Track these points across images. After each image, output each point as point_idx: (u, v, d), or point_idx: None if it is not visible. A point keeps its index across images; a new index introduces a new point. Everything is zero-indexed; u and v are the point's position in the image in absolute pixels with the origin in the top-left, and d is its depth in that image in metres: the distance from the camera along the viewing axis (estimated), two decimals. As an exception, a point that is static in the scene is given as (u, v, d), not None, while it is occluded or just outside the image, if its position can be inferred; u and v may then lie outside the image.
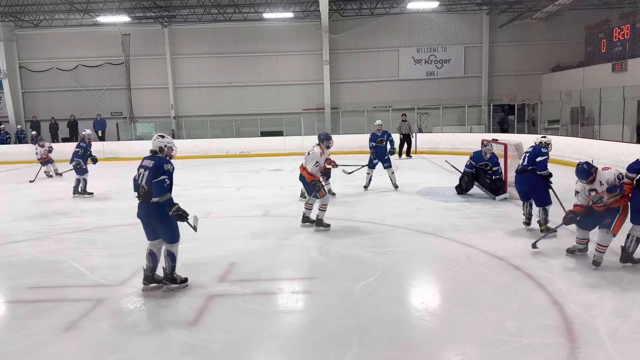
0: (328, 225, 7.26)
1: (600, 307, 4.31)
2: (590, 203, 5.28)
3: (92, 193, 10.98)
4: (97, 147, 19.74)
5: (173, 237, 4.99)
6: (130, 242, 6.98)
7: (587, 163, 5.43)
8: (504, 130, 20.69)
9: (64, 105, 23.27)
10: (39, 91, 23.77)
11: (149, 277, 5.00)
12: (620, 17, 18.00)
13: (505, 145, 9.51)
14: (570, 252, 5.71)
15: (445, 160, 11.95)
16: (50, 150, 14.65)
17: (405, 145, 17.19)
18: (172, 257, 4.97)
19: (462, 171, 10.01)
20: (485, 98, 22.84)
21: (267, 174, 14.39)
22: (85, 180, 11.00)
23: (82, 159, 11.01)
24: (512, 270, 5.29)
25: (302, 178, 7.51)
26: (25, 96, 23.90)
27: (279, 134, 21.09)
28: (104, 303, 4.75)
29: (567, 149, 14.31)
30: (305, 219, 7.50)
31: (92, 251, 6.58)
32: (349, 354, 3.67)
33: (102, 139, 21.92)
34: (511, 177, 9.74)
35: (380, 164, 10.48)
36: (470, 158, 9.78)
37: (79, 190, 10.97)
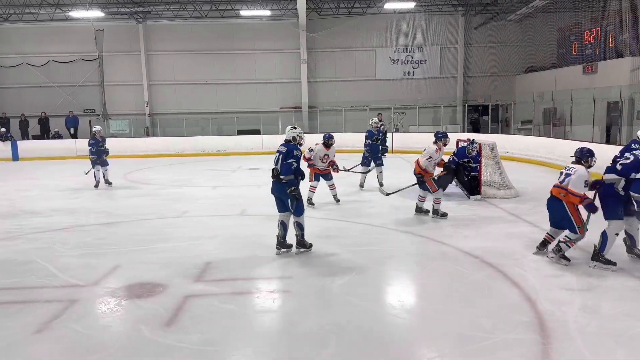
0: (444, 214, 7.78)
1: (571, 303, 4.42)
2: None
3: (111, 183, 12.13)
4: (69, 145, 19.56)
5: (299, 210, 5.93)
6: (103, 241, 6.88)
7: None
8: (476, 130, 20.99)
9: (34, 101, 22.67)
10: (9, 87, 23.13)
11: (281, 242, 6.01)
12: (591, 21, 18.44)
13: (480, 145, 9.64)
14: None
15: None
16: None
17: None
18: (300, 227, 6.00)
19: (445, 163, 9.99)
20: (460, 98, 23.14)
21: (244, 172, 14.32)
22: (106, 172, 12.09)
23: (97, 154, 11.89)
24: (486, 268, 5.38)
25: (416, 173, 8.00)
26: (-6, 92, 23.26)
27: (256, 132, 20.98)
28: (76, 304, 4.66)
29: (539, 149, 14.61)
30: (419, 209, 8.06)
31: (64, 251, 6.45)
32: (326, 352, 3.69)
33: (74, 136, 21.47)
34: (485, 176, 9.91)
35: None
36: (454, 154, 9.80)
37: (105, 180, 12.04)
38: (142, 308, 4.54)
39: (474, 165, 9.49)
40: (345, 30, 22.79)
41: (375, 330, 4.03)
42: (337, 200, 9.11)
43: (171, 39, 23.08)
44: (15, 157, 19.05)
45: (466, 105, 22.39)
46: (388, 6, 20.89)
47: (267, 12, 21.54)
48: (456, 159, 9.58)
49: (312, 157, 8.77)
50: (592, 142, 13.32)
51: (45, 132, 21.60)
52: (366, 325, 4.11)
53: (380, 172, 10.68)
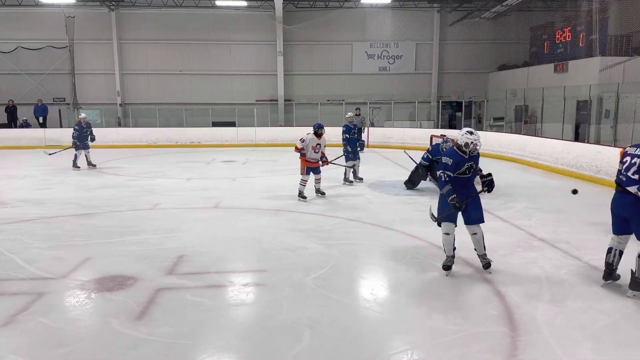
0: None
1: (539, 297, 4.53)
2: None
3: (95, 165, 13.28)
4: (37, 135, 19.06)
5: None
6: (72, 233, 6.74)
7: None
8: (452, 126, 21.23)
9: (1, 89, 21.98)
10: (-25, 73, 22.39)
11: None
12: (563, 20, 18.82)
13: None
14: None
15: (404, 151, 12.00)
16: None
17: None
18: None
19: (418, 163, 10.11)
20: (435, 94, 23.39)
21: (219, 165, 14.19)
22: (88, 154, 13.22)
23: (78, 139, 12.97)
24: (458, 263, 5.45)
25: None
26: (-41, 78, 22.46)
27: (231, 124, 20.80)
28: (44, 297, 4.55)
29: (510, 145, 14.88)
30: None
31: (31, 243, 6.29)
32: (300, 345, 3.69)
33: (43, 125, 20.92)
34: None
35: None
36: (428, 151, 9.90)
37: (88, 162, 13.22)
38: (112, 301, 4.47)
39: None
40: (322, 23, 22.74)
41: (349, 323, 4.05)
42: (322, 193, 9.10)
43: (144, 27, 22.64)
44: (-19, 146, 18.46)
45: (440, 101, 22.65)
46: (365, 0, 20.92)
47: (244, 3, 21.34)
48: (430, 157, 9.68)
49: (304, 148, 8.69)
50: (562, 139, 13.62)
51: (12, 121, 20.98)
52: (340, 318, 4.13)
53: (358, 167, 10.75)
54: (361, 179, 10.67)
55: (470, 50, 23.09)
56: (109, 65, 22.74)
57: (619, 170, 4.67)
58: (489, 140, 15.95)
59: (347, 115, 10.99)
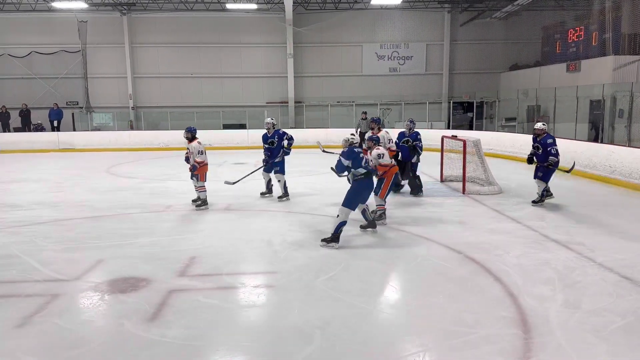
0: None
1: (552, 299, 4.48)
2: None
3: None
4: (51, 138, 19.29)
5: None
6: (86, 235, 6.80)
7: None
8: (470, 128, 20.98)
9: (16, 93, 22.25)
10: (-11, 78, 22.71)
11: None
12: (575, 19, 18.64)
13: (464, 142, 9.71)
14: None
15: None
16: None
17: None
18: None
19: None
20: (446, 95, 23.27)
21: (230, 167, 14.24)
22: None
23: None
24: (469, 264, 5.43)
25: None
26: (-26, 83, 22.79)
27: (242, 126, 20.87)
28: (58, 298, 4.60)
29: (523, 146, 14.74)
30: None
31: (45, 245, 6.36)
32: (310, 347, 3.69)
33: (57, 129, 21.14)
34: (469, 172, 9.99)
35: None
36: (397, 138, 9.71)
37: None
38: (125, 303, 4.50)
39: (417, 143, 9.46)
40: (332, 25, 22.75)
41: (360, 325, 4.05)
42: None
43: (156, 31, 22.81)
44: (-4, 149, 18.70)
45: (451, 102, 22.54)
46: (375, 2, 20.89)
47: (254, 6, 21.42)
48: (397, 141, 9.50)
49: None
50: (575, 139, 13.49)
51: (26, 125, 21.24)
52: (351, 320, 4.12)
53: (280, 181, 9.35)
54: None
55: (481, 50, 22.95)
56: (121, 68, 22.94)
57: None
58: (500, 141, 15.87)
59: (265, 122, 9.49)
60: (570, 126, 15.29)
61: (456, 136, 10.47)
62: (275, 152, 9.19)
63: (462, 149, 9.76)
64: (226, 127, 21.32)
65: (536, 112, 18.12)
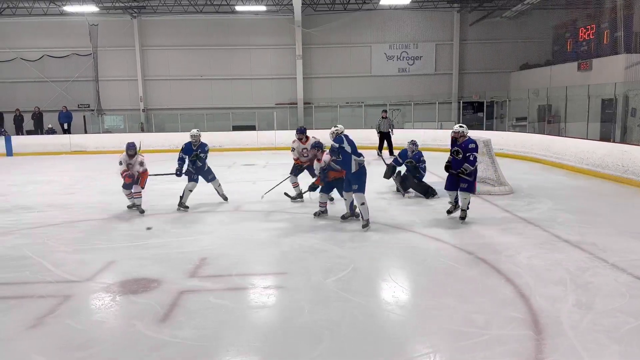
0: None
1: (564, 299, 4.44)
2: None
3: None
4: (63, 141, 19.48)
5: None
6: (97, 237, 6.87)
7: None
8: (489, 128, 20.73)
9: (28, 96, 22.53)
10: (3, 82, 22.94)
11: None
12: (586, 18, 18.47)
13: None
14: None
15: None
16: None
17: (386, 144, 16.85)
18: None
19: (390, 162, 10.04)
20: (456, 95, 23.15)
21: (239, 168, 14.29)
22: None
23: None
24: (480, 264, 5.40)
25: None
26: (-12, 87, 23.10)
27: (252, 128, 20.93)
28: (70, 299, 4.64)
29: (534, 146, 14.65)
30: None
31: (58, 246, 6.43)
32: (320, 347, 3.69)
33: (68, 131, 21.35)
34: (479, 173, 9.94)
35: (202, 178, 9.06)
36: (399, 155, 9.90)
37: None
38: (136, 303, 4.53)
39: (420, 165, 9.52)
40: (341, 26, 22.76)
41: (369, 326, 4.04)
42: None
43: (166, 34, 22.97)
44: (9, 152, 18.93)
45: (461, 101, 22.43)
46: (384, 2, 20.86)
47: (263, 8, 21.48)
48: (399, 160, 9.68)
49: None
50: (587, 138, 13.36)
51: (39, 127, 21.47)
52: (360, 321, 4.12)
53: (219, 185, 9.34)
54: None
55: (491, 49, 22.81)
56: (132, 71, 23.11)
57: None
58: (511, 141, 15.76)
59: (190, 133, 9.01)
60: (582, 125, 15.14)
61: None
62: (202, 162, 8.89)
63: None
64: (236, 128, 21.40)
65: (547, 111, 17.97)
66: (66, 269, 5.49)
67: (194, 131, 9.04)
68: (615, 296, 4.51)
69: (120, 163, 8.41)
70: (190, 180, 8.80)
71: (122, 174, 8.31)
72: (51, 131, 21.11)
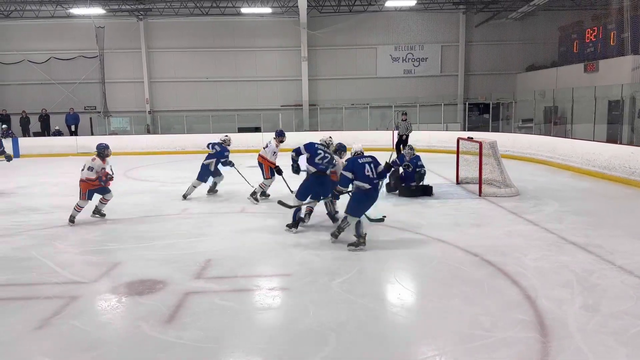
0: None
1: (571, 302, 4.42)
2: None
3: None
4: (70, 142, 19.58)
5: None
6: (103, 238, 6.89)
7: None
8: (495, 129, 20.67)
9: (35, 98, 22.69)
10: (10, 84, 23.14)
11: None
12: (592, 19, 18.39)
13: (480, 144, 9.64)
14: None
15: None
16: None
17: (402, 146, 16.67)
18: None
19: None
20: (461, 96, 23.11)
21: (245, 170, 14.28)
22: None
23: None
24: (486, 266, 5.38)
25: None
26: (-5, 89, 23.27)
27: (257, 130, 20.95)
28: (77, 300, 4.66)
29: (540, 148, 14.59)
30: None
31: (64, 248, 6.46)
32: (326, 349, 3.69)
33: (74, 133, 21.47)
34: (485, 174, 9.91)
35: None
36: (397, 159, 9.93)
37: None
38: (142, 305, 4.54)
39: (417, 169, 9.55)
40: (346, 28, 22.78)
41: (375, 328, 4.03)
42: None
43: (172, 36, 23.08)
44: (16, 154, 19.04)
45: (467, 103, 22.37)
46: (389, 4, 20.88)
47: (268, 10, 21.53)
48: (397, 162, 9.66)
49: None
50: (593, 140, 13.30)
51: (45, 129, 21.60)
52: (366, 323, 4.11)
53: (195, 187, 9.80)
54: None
55: (497, 51, 22.78)
56: (138, 73, 23.22)
57: None
58: (517, 143, 15.71)
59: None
60: (589, 127, 15.06)
61: (472, 138, 10.39)
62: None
63: (478, 150, 9.68)
64: (241, 130, 21.42)
65: (553, 113, 17.89)
66: (72, 270, 5.51)
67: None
68: (622, 298, 4.48)
69: (91, 169, 7.87)
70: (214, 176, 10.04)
71: (106, 178, 7.94)
72: (58, 133, 21.24)
